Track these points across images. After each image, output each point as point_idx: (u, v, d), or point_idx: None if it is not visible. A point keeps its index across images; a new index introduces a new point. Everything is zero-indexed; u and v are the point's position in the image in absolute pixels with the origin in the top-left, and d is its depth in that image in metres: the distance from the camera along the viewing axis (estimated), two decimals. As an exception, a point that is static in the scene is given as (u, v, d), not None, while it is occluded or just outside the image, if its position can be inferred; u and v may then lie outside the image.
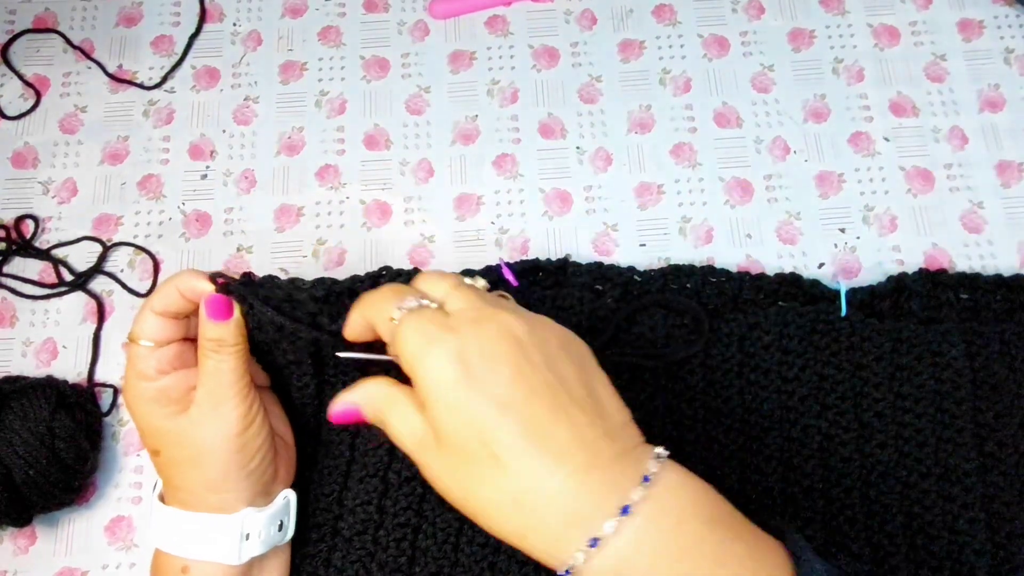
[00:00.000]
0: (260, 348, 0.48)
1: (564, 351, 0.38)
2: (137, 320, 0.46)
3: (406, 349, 0.38)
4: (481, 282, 0.43)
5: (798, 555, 0.35)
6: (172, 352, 0.46)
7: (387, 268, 0.56)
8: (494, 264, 0.57)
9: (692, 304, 0.54)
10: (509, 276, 0.56)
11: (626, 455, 0.37)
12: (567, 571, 0.35)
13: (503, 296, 0.42)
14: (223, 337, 0.45)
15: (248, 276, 0.46)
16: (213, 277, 0.45)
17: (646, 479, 0.35)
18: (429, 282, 0.41)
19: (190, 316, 0.47)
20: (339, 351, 0.46)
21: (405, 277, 0.54)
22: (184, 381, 0.46)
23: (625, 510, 0.34)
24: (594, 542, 0.34)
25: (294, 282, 0.47)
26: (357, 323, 0.43)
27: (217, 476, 0.45)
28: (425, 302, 0.40)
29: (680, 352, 0.53)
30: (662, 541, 0.34)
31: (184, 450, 0.45)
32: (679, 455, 0.52)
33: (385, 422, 0.40)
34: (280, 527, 0.48)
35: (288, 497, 0.48)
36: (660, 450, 0.38)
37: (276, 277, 0.47)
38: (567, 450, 0.35)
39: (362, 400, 0.41)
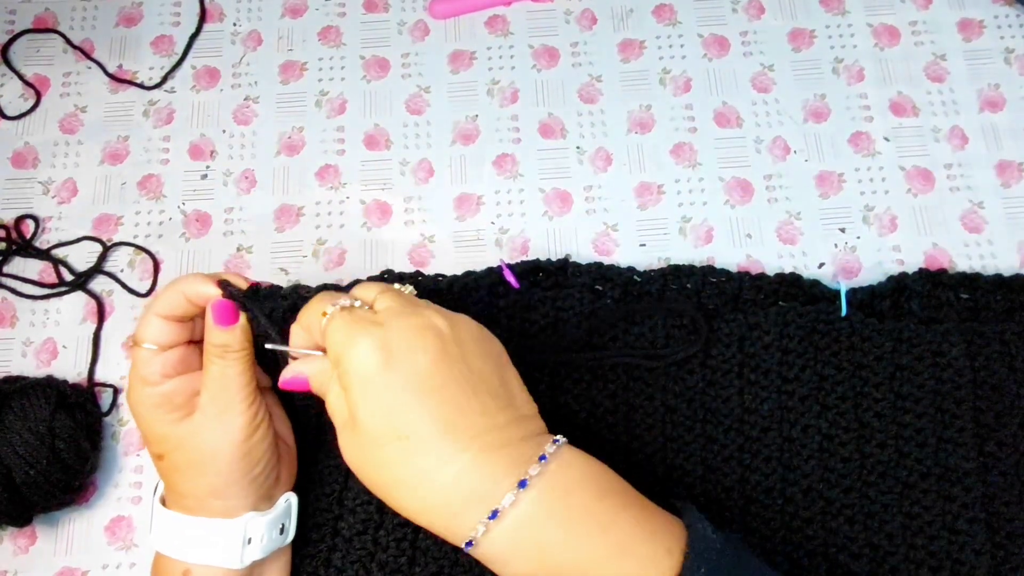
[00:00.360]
0: (263, 347, 0.48)
1: (480, 347, 0.41)
2: (141, 323, 0.45)
3: (334, 340, 0.40)
4: (409, 288, 0.46)
5: (691, 524, 0.39)
6: (176, 356, 0.46)
7: (389, 271, 0.57)
8: (494, 265, 0.57)
9: (689, 306, 0.54)
10: (510, 278, 0.56)
11: (530, 439, 0.40)
12: (468, 543, 0.38)
13: (428, 303, 0.44)
14: (228, 342, 0.45)
15: (255, 286, 0.46)
16: (221, 284, 0.45)
17: (543, 458, 0.39)
18: (361, 288, 0.44)
19: (195, 319, 0.47)
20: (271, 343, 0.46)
21: (410, 279, 0.55)
22: (188, 385, 0.46)
23: (523, 484, 0.37)
24: (494, 514, 0.37)
25: (298, 290, 0.47)
26: (298, 334, 0.44)
27: (221, 482, 0.45)
28: (357, 303, 0.42)
29: (679, 353, 0.53)
30: (554, 511, 0.38)
31: (188, 455, 0.45)
32: (679, 455, 0.52)
33: (325, 397, 0.42)
34: (282, 530, 0.48)
35: (290, 500, 0.48)
36: (560, 437, 0.41)
37: (280, 287, 0.47)
38: (476, 433, 0.38)
39: (311, 372, 0.43)
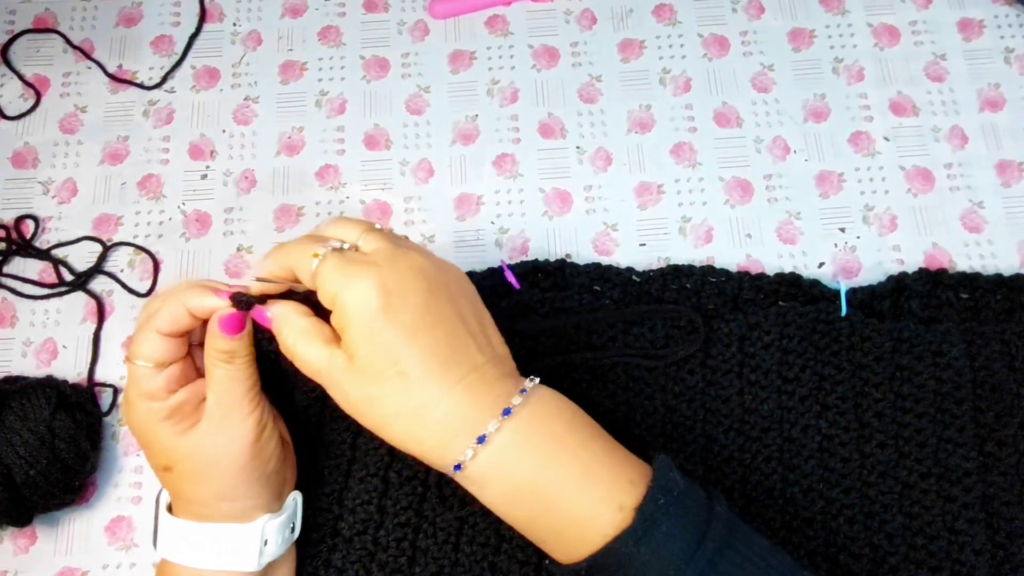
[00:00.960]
0: (265, 345, 0.48)
1: (461, 290, 0.44)
2: (138, 339, 0.44)
3: (330, 281, 0.41)
4: (389, 226, 0.46)
5: (658, 465, 0.42)
6: (178, 369, 0.45)
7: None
8: (494, 265, 0.57)
9: (686, 307, 0.54)
10: (511, 278, 0.56)
11: (508, 377, 0.43)
12: (457, 467, 0.41)
13: (407, 238, 0.46)
14: (235, 348, 0.44)
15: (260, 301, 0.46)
16: (233, 297, 0.44)
17: (523, 391, 0.42)
18: (341, 227, 0.45)
19: (191, 332, 0.46)
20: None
21: None
22: (195, 394, 0.45)
23: (507, 412, 0.41)
24: (481, 439, 0.40)
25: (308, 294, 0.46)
26: (271, 268, 0.45)
27: (231, 484, 0.44)
28: (346, 245, 0.44)
29: (678, 353, 0.53)
30: (532, 437, 0.41)
31: (197, 463, 0.44)
32: (679, 455, 0.52)
33: (293, 346, 0.43)
34: (292, 529, 0.48)
35: (296, 498, 0.48)
36: (534, 376, 0.44)
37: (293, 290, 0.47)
38: (466, 370, 0.41)
39: (278, 316, 0.44)
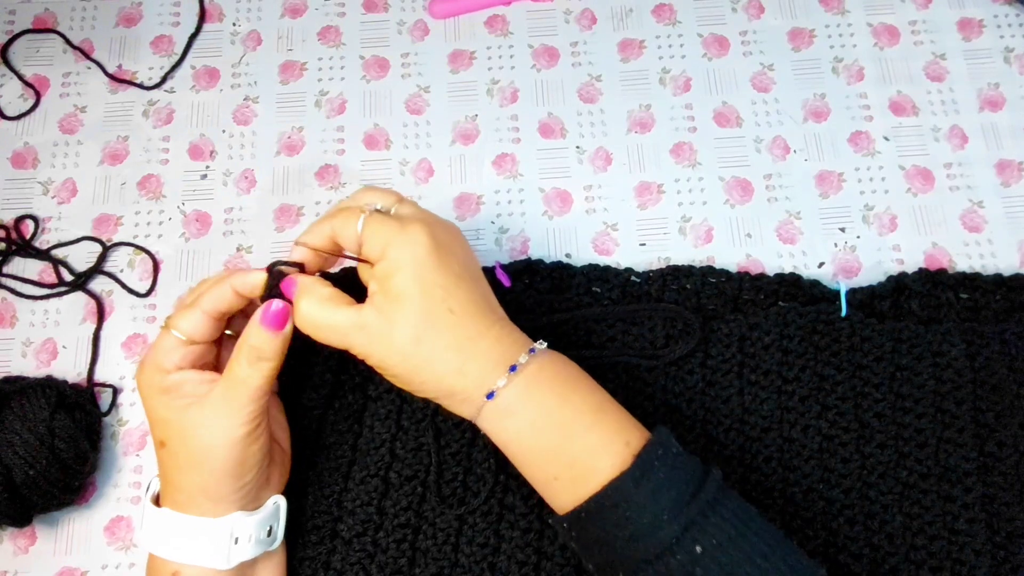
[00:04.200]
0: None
1: (473, 256, 0.49)
2: (182, 312, 0.46)
3: (380, 233, 0.45)
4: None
5: (660, 429, 0.45)
6: (197, 351, 0.46)
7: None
8: (490, 265, 0.57)
9: (681, 310, 0.54)
10: (503, 277, 0.56)
11: (517, 331, 0.48)
12: (490, 395, 0.45)
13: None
14: (264, 347, 0.45)
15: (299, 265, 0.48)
16: (269, 268, 0.46)
17: (532, 350, 0.46)
18: (374, 194, 0.49)
19: (227, 319, 0.48)
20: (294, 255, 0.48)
21: None
22: (198, 379, 0.46)
23: (532, 351, 0.46)
24: (513, 368, 0.45)
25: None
26: (311, 240, 0.48)
27: (212, 481, 0.45)
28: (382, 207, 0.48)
29: (675, 353, 0.53)
30: (554, 373, 0.46)
31: (187, 447, 0.44)
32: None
33: (318, 312, 0.45)
34: (269, 532, 0.47)
35: (278, 503, 0.48)
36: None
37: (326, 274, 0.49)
38: (494, 317, 0.47)
39: (303, 284, 0.46)
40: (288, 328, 0.46)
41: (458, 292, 0.45)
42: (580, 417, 0.45)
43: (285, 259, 0.47)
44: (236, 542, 0.45)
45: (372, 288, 0.45)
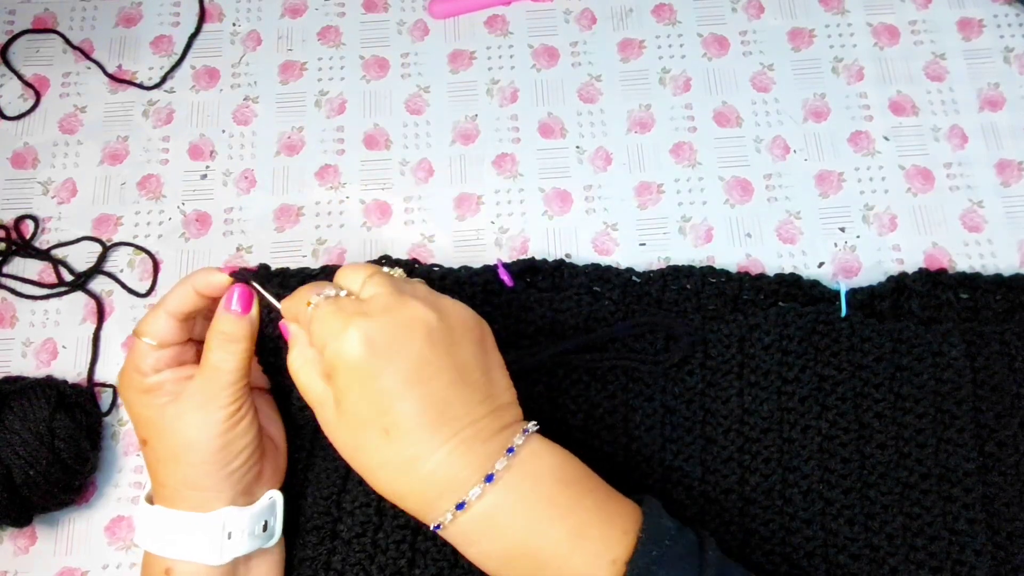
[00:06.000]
0: (266, 347, 0.48)
1: (467, 336, 0.42)
2: (147, 317, 0.46)
3: (320, 330, 0.41)
4: (398, 271, 0.45)
5: (647, 511, 0.41)
6: (172, 353, 0.46)
7: (386, 257, 0.57)
8: (492, 264, 0.57)
9: (671, 320, 0.54)
10: (505, 277, 0.56)
11: (504, 430, 0.41)
12: (436, 526, 0.40)
13: (419, 281, 0.44)
14: (235, 331, 0.45)
15: (263, 268, 0.48)
16: (233, 272, 0.46)
17: (510, 450, 0.40)
18: (347, 274, 0.44)
19: (195, 319, 0.48)
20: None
21: (405, 265, 0.55)
22: (178, 376, 0.46)
23: (489, 478, 0.39)
24: (461, 505, 0.39)
25: (303, 272, 0.49)
26: (285, 313, 0.45)
27: (196, 473, 0.45)
28: (343, 292, 0.43)
29: (672, 358, 0.53)
30: (517, 500, 0.40)
31: (168, 442, 0.45)
32: (678, 456, 0.52)
33: (299, 371, 0.42)
34: (265, 527, 0.47)
35: (274, 498, 0.48)
36: (530, 425, 0.43)
37: (288, 268, 0.49)
38: (456, 429, 0.40)
39: (294, 334, 0.44)
40: (254, 311, 0.46)
41: (401, 404, 0.39)
42: (556, 545, 0.40)
43: (246, 269, 0.47)
44: (229, 537, 0.45)
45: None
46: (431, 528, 0.41)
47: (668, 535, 0.40)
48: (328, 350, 0.40)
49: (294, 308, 0.43)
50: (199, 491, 0.45)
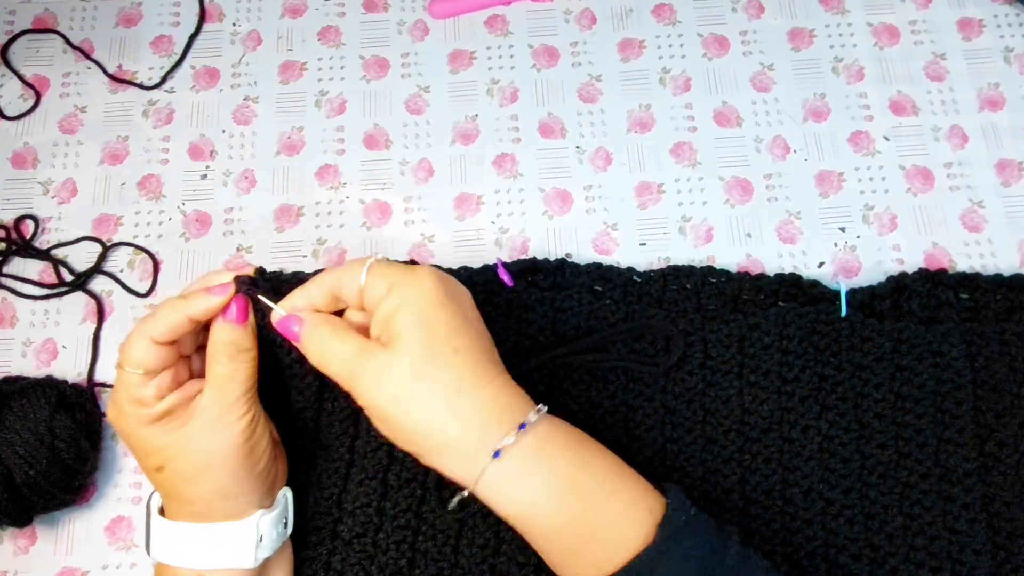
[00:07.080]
0: (261, 348, 0.48)
1: (479, 316, 0.46)
2: (129, 346, 0.44)
3: (387, 274, 0.43)
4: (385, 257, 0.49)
5: (670, 490, 0.43)
6: (170, 376, 0.45)
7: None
8: (492, 263, 0.57)
9: (660, 322, 0.54)
10: (505, 276, 0.56)
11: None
12: (496, 453, 0.41)
13: None
14: (239, 341, 0.45)
15: (260, 270, 0.47)
16: (236, 280, 0.45)
17: (540, 410, 0.43)
18: (345, 274, 0.46)
19: (184, 338, 0.46)
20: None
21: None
22: (184, 396, 0.45)
23: (540, 409, 0.43)
24: (522, 426, 0.42)
25: (298, 275, 0.48)
26: (314, 293, 0.46)
27: (230, 482, 0.44)
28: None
29: (669, 360, 0.53)
30: (565, 434, 0.44)
31: (191, 460, 0.44)
32: (679, 456, 0.52)
33: (327, 344, 0.44)
34: (284, 525, 0.48)
35: (286, 494, 0.49)
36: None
37: (282, 271, 0.49)
38: (498, 368, 0.44)
39: (310, 318, 0.45)
40: (252, 319, 0.46)
41: (464, 334, 0.43)
42: (601, 484, 0.42)
43: (245, 275, 0.46)
44: (261, 539, 0.46)
45: (374, 333, 0.44)
46: (491, 456, 0.41)
47: (692, 510, 0.42)
48: (398, 289, 0.42)
49: (338, 274, 0.45)
50: (232, 499, 0.45)
